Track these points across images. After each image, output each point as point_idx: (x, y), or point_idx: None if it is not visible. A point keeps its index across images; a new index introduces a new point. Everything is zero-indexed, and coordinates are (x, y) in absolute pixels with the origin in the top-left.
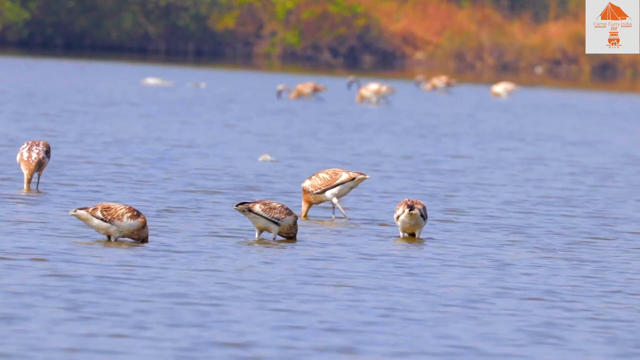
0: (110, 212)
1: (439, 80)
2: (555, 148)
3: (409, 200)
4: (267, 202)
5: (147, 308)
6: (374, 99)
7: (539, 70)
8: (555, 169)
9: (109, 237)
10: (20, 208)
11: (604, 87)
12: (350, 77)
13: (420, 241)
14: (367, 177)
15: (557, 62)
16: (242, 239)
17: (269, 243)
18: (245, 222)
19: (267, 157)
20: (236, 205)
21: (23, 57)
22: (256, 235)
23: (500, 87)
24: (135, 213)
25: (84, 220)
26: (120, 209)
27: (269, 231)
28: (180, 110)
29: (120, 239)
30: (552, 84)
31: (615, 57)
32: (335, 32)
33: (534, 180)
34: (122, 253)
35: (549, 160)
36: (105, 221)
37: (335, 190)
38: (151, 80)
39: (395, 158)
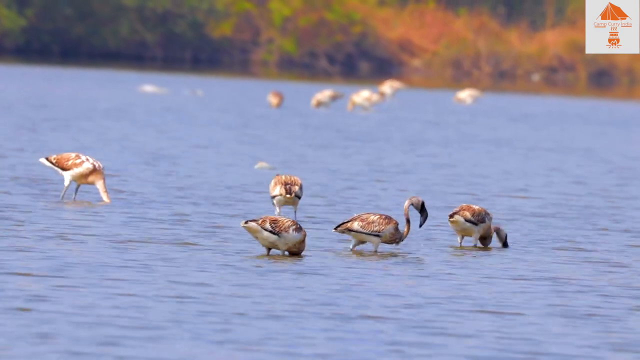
0: (278, 224)
1: (387, 86)
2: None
3: (459, 207)
4: (364, 217)
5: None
6: (366, 105)
7: (535, 77)
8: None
9: (268, 251)
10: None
11: (599, 94)
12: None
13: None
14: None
15: (554, 70)
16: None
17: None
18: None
19: (264, 164)
20: (334, 229)
21: (20, 65)
22: (354, 244)
23: (465, 93)
24: (298, 226)
25: (254, 232)
26: (287, 222)
27: (372, 243)
28: (176, 117)
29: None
30: (547, 91)
31: (612, 64)
32: (332, 39)
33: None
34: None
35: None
36: (274, 233)
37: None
38: (148, 88)
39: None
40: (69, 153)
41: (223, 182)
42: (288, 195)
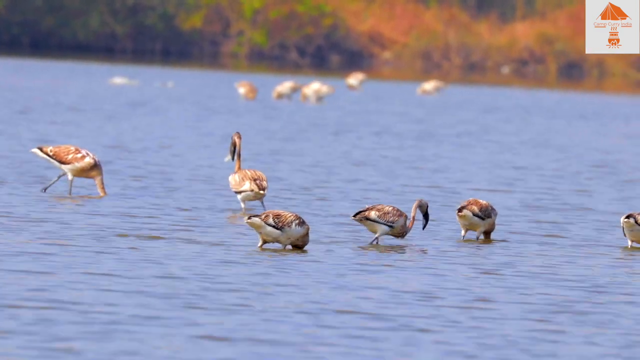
0: (281, 219)
1: (353, 78)
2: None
3: (466, 201)
4: (380, 207)
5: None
6: (313, 98)
7: (505, 70)
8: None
9: (262, 243)
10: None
11: (569, 86)
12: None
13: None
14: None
15: (524, 62)
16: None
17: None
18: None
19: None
20: (353, 216)
21: None
22: (377, 236)
23: (430, 85)
24: (301, 220)
25: (257, 227)
26: (290, 216)
27: (382, 232)
28: (146, 109)
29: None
30: (517, 83)
31: (582, 57)
32: (303, 31)
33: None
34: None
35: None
36: (277, 228)
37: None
38: (118, 80)
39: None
40: (67, 146)
41: (193, 174)
42: (261, 192)
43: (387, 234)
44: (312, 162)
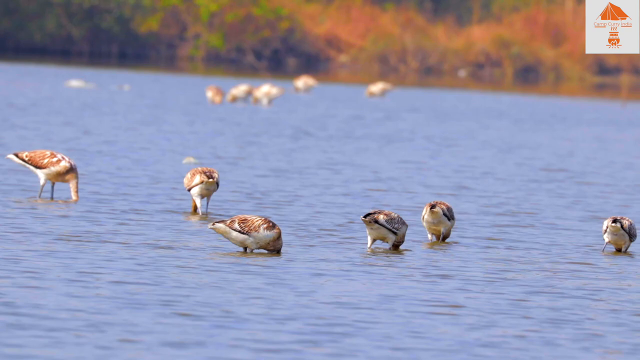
0: (247, 224)
1: (300, 80)
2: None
3: (433, 201)
4: (387, 212)
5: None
6: (265, 100)
7: (462, 73)
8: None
9: (245, 249)
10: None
11: (525, 90)
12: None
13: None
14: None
15: (480, 66)
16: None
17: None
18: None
19: (191, 159)
20: (363, 217)
21: None
22: (369, 243)
23: (377, 87)
24: (270, 224)
25: (222, 233)
26: (257, 221)
27: (384, 241)
28: (102, 112)
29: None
30: (474, 87)
31: (538, 61)
32: (259, 34)
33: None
34: None
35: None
36: (242, 233)
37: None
38: (75, 83)
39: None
40: (42, 150)
41: (150, 177)
42: (210, 180)
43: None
44: (264, 166)
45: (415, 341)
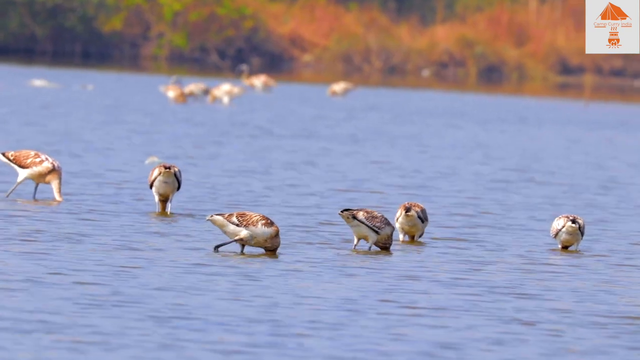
0: (246, 218)
1: (258, 79)
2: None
3: (407, 203)
4: (369, 210)
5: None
6: (225, 99)
7: (426, 73)
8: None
9: (242, 248)
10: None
11: (489, 89)
12: (174, 77)
13: (420, 243)
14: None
15: (444, 65)
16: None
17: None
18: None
19: (155, 158)
20: (341, 212)
21: None
22: (355, 242)
23: (339, 86)
24: (269, 222)
25: (219, 225)
26: (255, 216)
27: (366, 240)
28: (66, 112)
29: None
30: (437, 86)
31: (502, 61)
32: (223, 34)
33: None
34: None
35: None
36: (239, 226)
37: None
38: (38, 82)
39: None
40: (27, 151)
41: (114, 176)
42: (167, 170)
43: (373, 243)
44: (228, 165)
45: (375, 342)
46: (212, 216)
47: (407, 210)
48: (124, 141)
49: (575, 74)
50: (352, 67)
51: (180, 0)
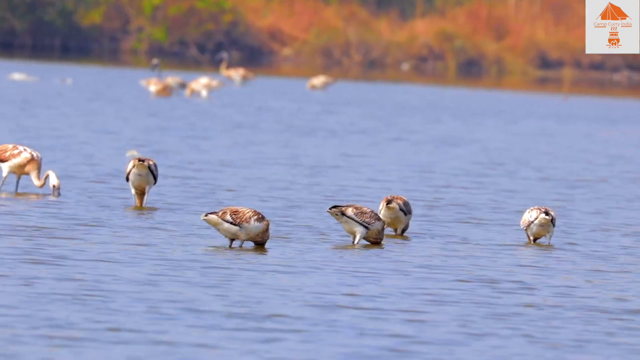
0: (239, 215)
1: (236, 73)
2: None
3: (390, 195)
4: (358, 206)
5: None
6: (204, 93)
7: (405, 66)
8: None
9: (230, 242)
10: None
11: (468, 83)
12: (154, 60)
13: (406, 237)
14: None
15: (423, 59)
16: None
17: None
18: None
19: (134, 152)
20: (329, 209)
21: None
22: (355, 240)
23: (318, 80)
24: (260, 216)
25: (214, 224)
26: (247, 212)
27: (354, 234)
28: (46, 105)
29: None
30: (417, 80)
31: (481, 54)
32: (203, 28)
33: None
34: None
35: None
36: (234, 224)
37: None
38: (17, 76)
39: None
40: (5, 144)
41: (93, 170)
42: (140, 163)
43: (363, 237)
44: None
45: (329, 335)
46: (206, 215)
47: (389, 202)
48: (103, 135)
49: (555, 68)
50: (331, 60)
51: None
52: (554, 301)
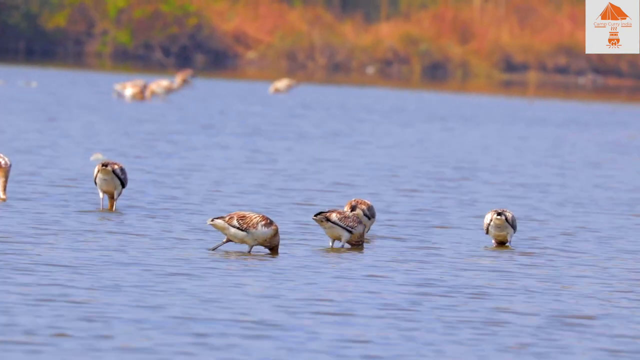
0: (246, 220)
1: (180, 76)
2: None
3: (354, 200)
4: (341, 211)
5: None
6: (163, 95)
7: (370, 70)
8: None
9: (227, 240)
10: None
11: (433, 87)
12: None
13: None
14: None
15: (388, 62)
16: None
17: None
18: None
19: (99, 155)
20: (314, 216)
21: None
22: (331, 244)
23: (282, 83)
24: (268, 221)
25: (220, 229)
26: (255, 218)
27: (339, 240)
28: (9, 109)
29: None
30: (382, 83)
31: (446, 58)
32: (167, 31)
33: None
34: None
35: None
36: (241, 230)
37: None
38: None
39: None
40: None
41: (58, 174)
42: (104, 168)
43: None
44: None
45: (312, 342)
46: (212, 220)
47: (353, 208)
48: (68, 138)
49: (520, 71)
50: (296, 64)
51: None
52: (514, 307)
